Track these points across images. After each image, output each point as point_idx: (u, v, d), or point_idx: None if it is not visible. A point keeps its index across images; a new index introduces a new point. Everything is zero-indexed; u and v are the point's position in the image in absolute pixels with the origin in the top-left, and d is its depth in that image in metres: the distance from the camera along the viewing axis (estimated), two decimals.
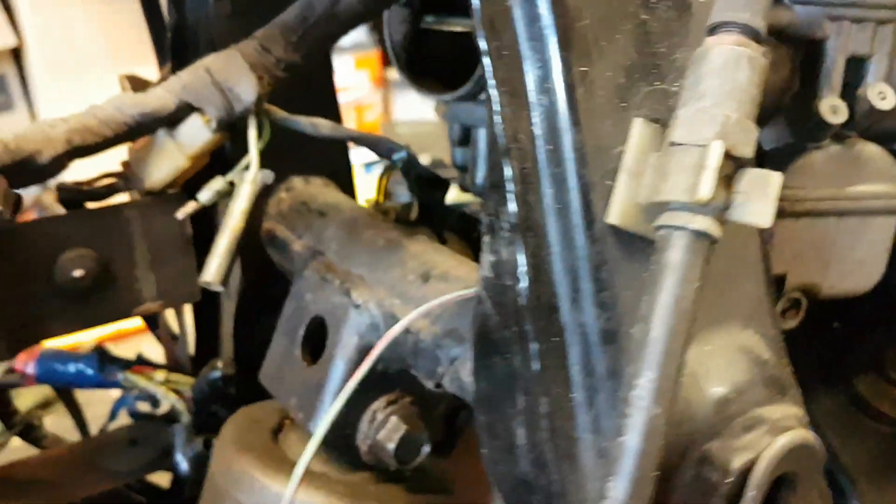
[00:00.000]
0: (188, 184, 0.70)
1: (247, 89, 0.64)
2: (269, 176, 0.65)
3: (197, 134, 0.65)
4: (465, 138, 0.90)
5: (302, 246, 0.74)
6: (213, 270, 0.62)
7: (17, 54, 2.75)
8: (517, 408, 0.44)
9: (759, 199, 0.34)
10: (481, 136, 0.85)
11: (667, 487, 0.39)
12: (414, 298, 0.61)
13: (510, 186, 0.38)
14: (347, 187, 0.87)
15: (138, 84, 0.83)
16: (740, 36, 0.35)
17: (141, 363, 0.86)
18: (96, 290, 0.68)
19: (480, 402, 0.49)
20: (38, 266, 0.65)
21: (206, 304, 0.83)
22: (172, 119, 0.65)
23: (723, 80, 0.35)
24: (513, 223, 0.39)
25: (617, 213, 0.37)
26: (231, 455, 0.66)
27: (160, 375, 0.82)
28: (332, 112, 0.87)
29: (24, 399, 1.28)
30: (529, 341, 0.41)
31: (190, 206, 0.67)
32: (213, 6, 0.75)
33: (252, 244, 0.80)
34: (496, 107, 0.37)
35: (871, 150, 0.58)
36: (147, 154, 0.67)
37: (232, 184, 0.67)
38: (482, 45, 0.38)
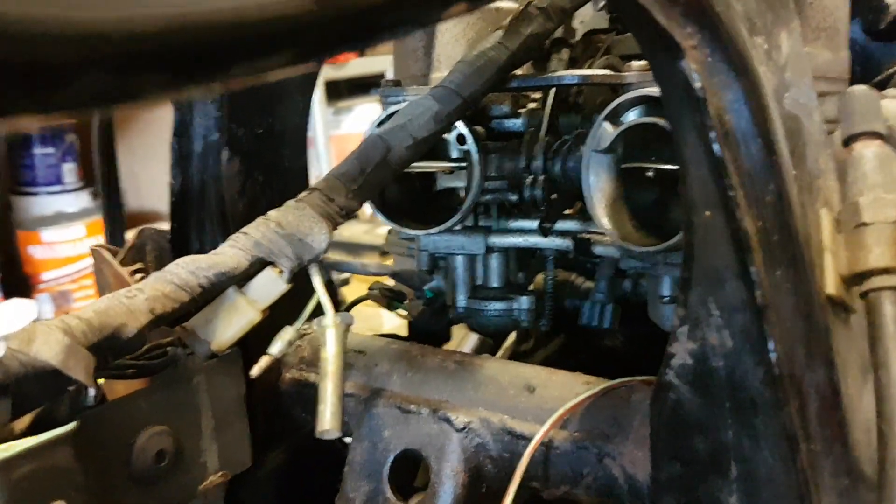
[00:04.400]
0: None
1: (319, 238, 0.65)
2: (349, 317, 0.66)
3: (270, 287, 0.65)
4: (433, 267, 0.96)
5: (353, 387, 0.74)
6: (328, 418, 0.61)
7: None
8: (729, 478, 0.51)
9: None
10: (459, 262, 0.92)
11: None
12: (527, 410, 0.65)
13: (754, 274, 0.46)
14: None
15: (113, 253, 0.80)
16: (879, 140, 0.48)
17: None
18: (169, 470, 0.62)
19: (668, 486, 0.54)
20: (115, 451, 0.59)
21: None
22: (245, 275, 0.64)
23: (885, 174, 0.47)
24: (734, 307, 0.48)
25: (831, 284, 0.47)
26: None
27: None
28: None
29: None
30: (756, 411, 0.48)
31: (264, 361, 0.66)
32: (226, 165, 0.75)
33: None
34: (741, 213, 0.46)
35: None
36: (214, 314, 0.64)
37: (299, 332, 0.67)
38: (718, 151, 0.46)
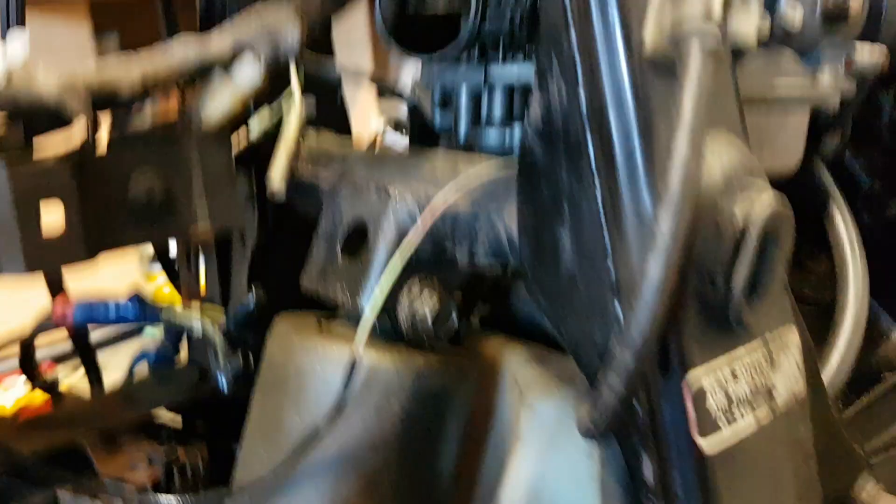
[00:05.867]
0: None
1: (292, 34, 0.77)
2: (311, 103, 0.78)
3: (249, 76, 0.77)
4: (445, 101, 1.05)
5: (329, 173, 0.86)
6: (277, 176, 0.74)
7: None
8: (563, 217, 0.58)
9: (744, 20, 0.51)
10: (462, 93, 1.01)
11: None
12: (448, 183, 0.74)
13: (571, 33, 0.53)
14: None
15: None
16: None
17: None
18: (162, 207, 0.78)
19: (525, 230, 0.63)
20: (116, 181, 0.74)
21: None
22: (228, 61, 0.77)
23: None
24: (567, 59, 0.55)
25: (649, 40, 0.53)
26: (290, 335, 0.76)
27: (196, 308, 0.91)
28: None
29: None
30: (580, 152, 0.55)
31: (242, 133, 0.79)
32: None
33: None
34: None
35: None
36: (203, 92, 0.79)
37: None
38: None
